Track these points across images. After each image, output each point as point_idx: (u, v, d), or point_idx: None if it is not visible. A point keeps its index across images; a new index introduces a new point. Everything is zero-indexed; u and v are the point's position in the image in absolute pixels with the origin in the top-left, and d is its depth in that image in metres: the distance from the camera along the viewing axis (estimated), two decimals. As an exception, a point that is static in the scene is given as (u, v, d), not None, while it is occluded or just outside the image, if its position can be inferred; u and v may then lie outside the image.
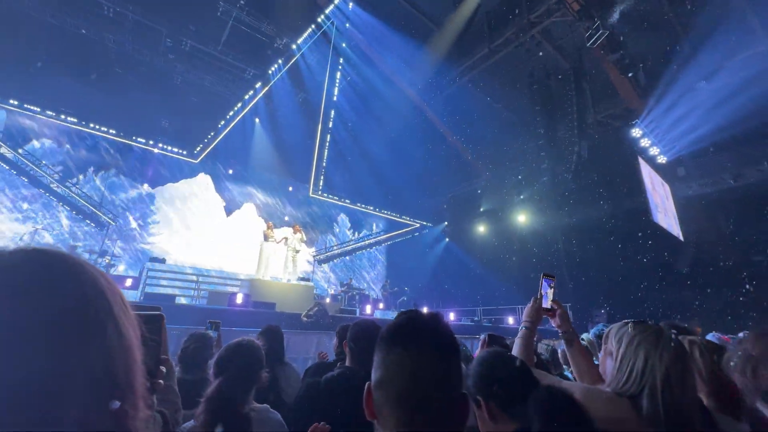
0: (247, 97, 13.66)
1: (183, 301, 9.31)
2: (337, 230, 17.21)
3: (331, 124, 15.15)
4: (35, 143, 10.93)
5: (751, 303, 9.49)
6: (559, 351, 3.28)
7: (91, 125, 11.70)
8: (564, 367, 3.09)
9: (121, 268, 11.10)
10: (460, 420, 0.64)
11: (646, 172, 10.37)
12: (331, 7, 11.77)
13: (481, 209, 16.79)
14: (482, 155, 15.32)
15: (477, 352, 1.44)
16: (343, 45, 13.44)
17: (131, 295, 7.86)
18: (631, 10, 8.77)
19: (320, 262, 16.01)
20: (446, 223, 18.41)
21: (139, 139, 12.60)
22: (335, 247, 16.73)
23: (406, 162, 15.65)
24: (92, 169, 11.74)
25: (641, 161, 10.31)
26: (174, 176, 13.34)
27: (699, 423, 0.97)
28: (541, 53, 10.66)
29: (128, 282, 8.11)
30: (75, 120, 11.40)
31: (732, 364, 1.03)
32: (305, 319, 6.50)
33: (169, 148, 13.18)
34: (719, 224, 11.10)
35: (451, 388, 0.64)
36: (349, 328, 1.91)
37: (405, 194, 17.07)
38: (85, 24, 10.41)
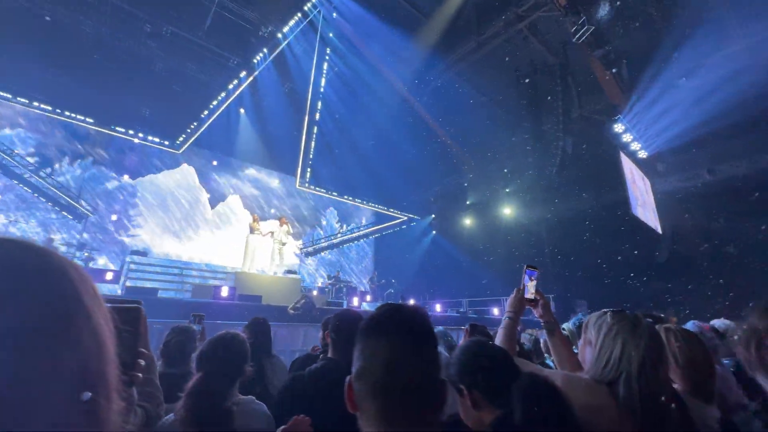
0: (231, 86, 13.29)
1: (166, 295, 9.14)
2: (325, 223, 17.12)
3: (318, 116, 14.91)
4: (7, 131, 10.44)
5: (723, 292, 9.93)
6: (541, 340, 3.38)
7: (67, 113, 11.22)
8: (546, 355, 3.19)
9: (101, 262, 10.80)
10: (438, 407, 0.64)
11: (628, 167, 10.63)
12: (318, -6, 11.53)
13: (468, 202, 16.97)
14: (469, 148, 15.41)
15: (461, 341, 1.46)
16: (330, 35, 13.19)
17: (112, 289, 7.68)
18: (616, 6, 8.89)
19: (307, 254, 15.92)
20: (433, 215, 18.51)
21: (118, 128, 12.16)
22: (323, 240, 16.66)
23: (394, 155, 15.59)
24: (68, 159, 11.30)
25: (623, 156, 10.55)
26: (156, 167, 12.97)
27: (671, 408, 1.01)
28: (527, 48, 10.75)
29: (109, 275, 7.91)
30: (49, 108, 10.91)
31: (736, 338, 1.04)
32: (292, 311, 6.48)
33: (151, 138, 12.78)
34: (695, 217, 11.53)
35: (428, 377, 0.64)
36: (331, 319, 1.90)
37: (393, 187, 17.04)
38: (60, 9, 9.91)
